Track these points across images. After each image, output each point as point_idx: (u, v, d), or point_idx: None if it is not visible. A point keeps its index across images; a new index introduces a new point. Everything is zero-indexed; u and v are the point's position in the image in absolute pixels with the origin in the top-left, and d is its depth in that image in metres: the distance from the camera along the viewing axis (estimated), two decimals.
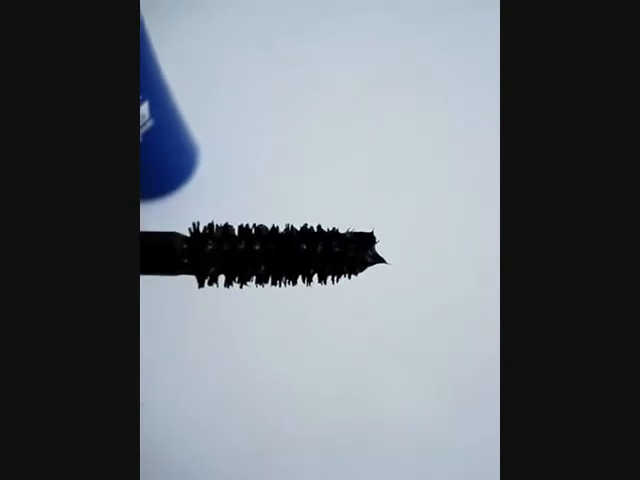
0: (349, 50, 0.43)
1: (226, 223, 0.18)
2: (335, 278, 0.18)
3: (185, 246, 0.18)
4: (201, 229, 0.18)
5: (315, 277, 0.18)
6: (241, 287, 0.18)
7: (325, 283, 0.18)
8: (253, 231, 0.18)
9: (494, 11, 0.28)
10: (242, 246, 0.18)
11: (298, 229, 0.18)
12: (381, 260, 0.18)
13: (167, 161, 0.37)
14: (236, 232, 0.18)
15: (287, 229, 0.18)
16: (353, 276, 0.18)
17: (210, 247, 0.18)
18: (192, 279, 0.18)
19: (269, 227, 0.18)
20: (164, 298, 0.35)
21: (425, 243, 0.37)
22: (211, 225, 0.18)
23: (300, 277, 0.18)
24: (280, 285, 0.18)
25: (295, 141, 0.40)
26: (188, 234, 0.18)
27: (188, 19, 0.44)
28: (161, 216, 0.38)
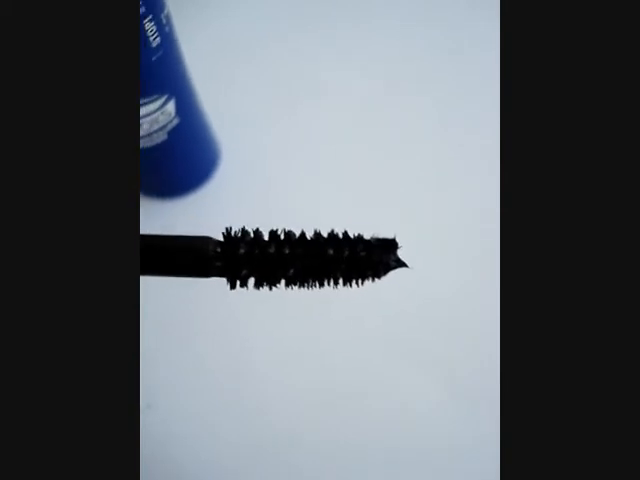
0: (362, 52, 0.44)
1: (257, 228, 0.19)
2: (360, 281, 0.19)
3: (218, 250, 0.19)
4: (232, 233, 0.19)
5: (341, 281, 0.19)
6: (270, 289, 0.19)
7: (350, 286, 0.19)
8: (282, 236, 0.19)
9: (494, 12, 0.29)
10: (272, 250, 0.19)
11: (325, 235, 0.19)
12: (403, 264, 0.19)
13: (191, 159, 0.38)
14: (266, 237, 0.19)
15: (315, 234, 0.19)
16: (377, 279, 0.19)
17: (242, 251, 0.19)
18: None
19: (297, 233, 0.19)
20: (169, 296, 0.36)
21: (425, 242, 0.36)
22: (243, 230, 0.19)
23: (326, 280, 0.19)
24: (308, 288, 0.19)
25: (306, 142, 0.41)
26: (221, 238, 0.19)
27: (197, 19, 0.45)
28: (184, 214, 0.39)
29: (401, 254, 0.19)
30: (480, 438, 0.32)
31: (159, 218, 0.38)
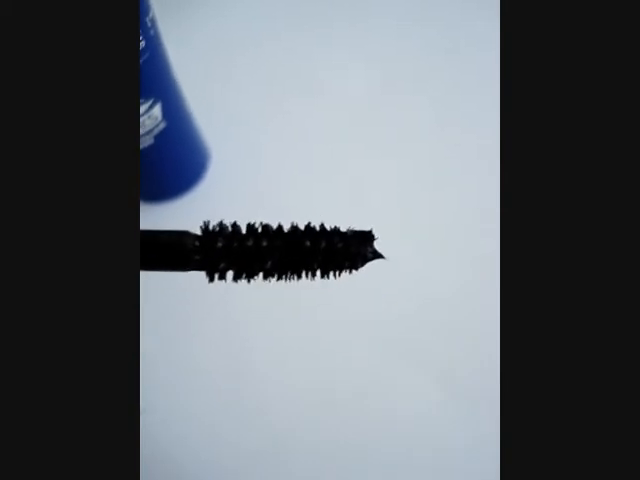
0: (359, 51, 0.44)
1: (235, 222, 0.20)
2: (337, 273, 0.20)
3: (197, 244, 0.19)
4: (211, 227, 0.20)
5: (318, 272, 0.19)
6: (248, 282, 0.20)
7: (328, 278, 0.20)
8: (260, 229, 0.19)
9: (493, 12, 0.29)
10: (250, 243, 0.19)
11: (302, 228, 0.20)
12: (380, 256, 0.20)
13: (179, 163, 0.38)
14: (244, 230, 0.20)
15: (292, 227, 0.19)
16: (355, 272, 0.20)
17: (220, 244, 0.19)
18: (198, 277, 0.20)
19: (274, 226, 0.20)
20: (168, 296, 0.36)
21: (426, 241, 0.37)
22: (221, 224, 0.20)
23: (304, 272, 0.19)
24: (285, 280, 0.20)
25: (301, 142, 0.41)
26: (199, 232, 0.20)
27: (193, 19, 0.45)
28: (172, 216, 0.39)
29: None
30: (480, 438, 0.32)
31: (147, 222, 0.38)
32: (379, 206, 0.38)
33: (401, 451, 0.34)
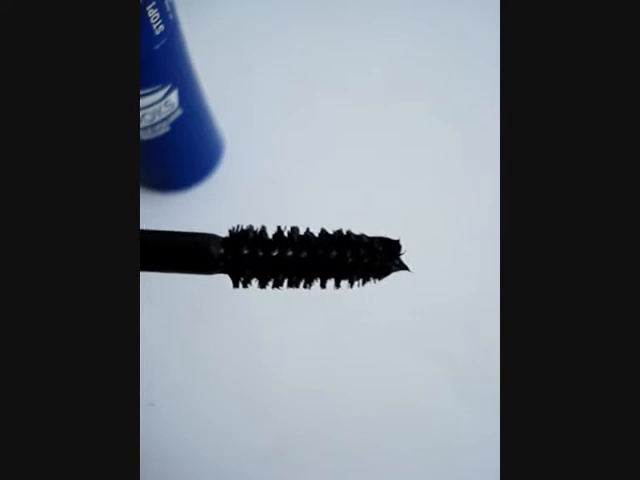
0: (364, 45, 0.43)
1: (261, 228, 0.19)
2: (361, 283, 0.19)
3: (222, 251, 0.19)
4: (236, 231, 0.19)
5: (343, 282, 0.19)
6: (272, 289, 0.19)
7: (352, 287, 0.19)
8: (285, 234, 0.19)
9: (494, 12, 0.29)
10: (276, 253, 0.19)
11: (330, 232, 0.19)
12: (405, 268, 0.19)
13: (195, 152, 0.38)
14: (269, 236, 0.19)
15: (320, 234, 0.19)
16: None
17: (245, 252, 0.19)
18: (207, 277, 0.19)
19: (301, 230, 0.19)
20: (176, 295, 0.36)
21: (425, 242, 0.36)
22: (246, 230, 0.19)
23: (329, 282, 0.19)
24: (310, 288, 0.19)
25: (314, 137, 0.41)
26: (223, 234, 0.19)
27: (212, 6, 0.44)
28: (184, 208, 0.38)
29: (404, 256, 0.19)
30: (480, 438, 0.33)
31: (161, 212, 0.38)
32: (384, 203, 0.38)
33: (401, 451, 0.34)
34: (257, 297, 0.34)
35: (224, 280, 0.20)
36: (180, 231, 0.20)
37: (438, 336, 0.35)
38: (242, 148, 0.40)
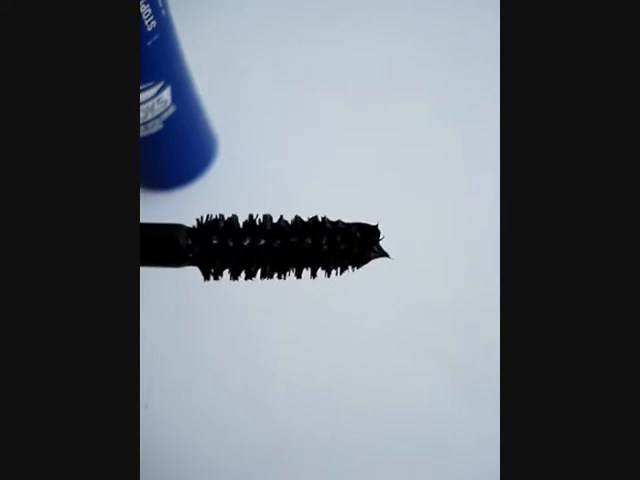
0: (361, 45, 0.43)
1: (230, 217, 0.18)
2: (339, 271, 0.19)
3: (190, 242, 0.18)
4: (205, 221, 0.19)
5: (319, 271, 0.18)
6: (245, 280, 0.19)
7: (329, 276, 0.19)
8: (258, 223, 0.18)
9: (494, 12, 0.28)
10: (247, 242, 0.18)
11: (305, 219, 0.18)
12: (385, 254, 0.18)
13: (188, 149, 0.37)
14: (240, 225, 0.18)
15: (294, 222, 0.18)
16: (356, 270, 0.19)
17: (214, 242, 0.18)
18: (198, 272, 0.19)
19: (275, 217, 0.19)
20: (174, 293, 0.35)
21: (428, 240, 0.37)
22: (215, 220, 0.18)
23: (304, 271, 0.18)
24: (285, 278, 0.19)
25: (309, 135, 0.40)
26: (195, 224, 0.19)
27: (206, 3, 0.44)
28: (177, 205, 0.38)
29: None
30: (480, 438, 0.32)
31: (153, 210, 0.37)
32: (380, 200, 0.37)
33: (411, 449, 0.33)
34: (257, 297, 0.34)
35: (223, 280, 0.19)
36: (146, 222, 0.19)
37: (438, 336, 0.35)
38: (236, 146, 0.40)
